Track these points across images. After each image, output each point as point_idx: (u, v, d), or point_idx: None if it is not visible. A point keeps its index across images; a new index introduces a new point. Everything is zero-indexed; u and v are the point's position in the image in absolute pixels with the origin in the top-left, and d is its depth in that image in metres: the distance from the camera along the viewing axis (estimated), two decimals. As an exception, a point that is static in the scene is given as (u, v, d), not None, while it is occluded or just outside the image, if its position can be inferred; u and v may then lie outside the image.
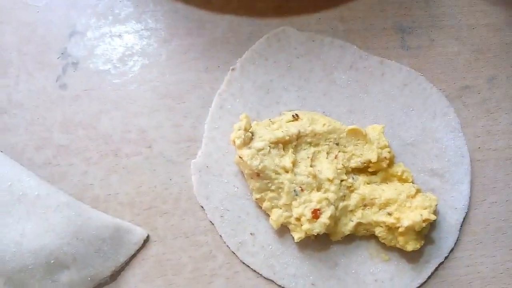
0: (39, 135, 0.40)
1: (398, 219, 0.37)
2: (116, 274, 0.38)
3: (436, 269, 0.39)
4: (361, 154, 0.39)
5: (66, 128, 0.40)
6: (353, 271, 0.38)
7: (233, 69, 0.42)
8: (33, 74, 0.41)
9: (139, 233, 0.38)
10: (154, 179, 0.40)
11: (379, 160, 0.38)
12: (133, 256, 0.38)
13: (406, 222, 0.36)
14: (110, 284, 0.37)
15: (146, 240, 0.38)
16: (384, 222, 0.37)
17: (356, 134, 0.39)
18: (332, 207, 0.36)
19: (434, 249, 0.39)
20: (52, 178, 0.39)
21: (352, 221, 0.38)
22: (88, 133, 0.40)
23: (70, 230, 0.36)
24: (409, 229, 0.36)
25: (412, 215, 0.36)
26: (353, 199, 0.38)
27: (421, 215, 0.36)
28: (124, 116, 0.41)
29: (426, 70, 0.45)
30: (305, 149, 0.39)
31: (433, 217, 0.36)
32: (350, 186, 0.38)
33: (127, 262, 0.38)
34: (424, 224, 0.36)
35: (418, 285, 0.38)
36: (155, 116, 0.41)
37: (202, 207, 0.39)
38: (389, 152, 0.39)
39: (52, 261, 0.35)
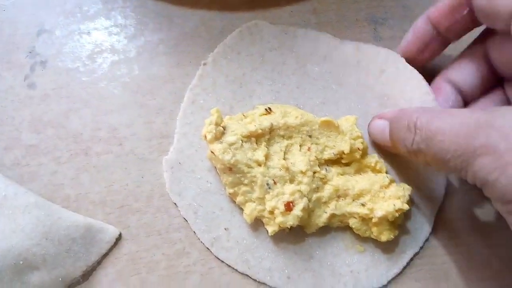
0: (7, 135, 0.39)
1: (371, 210, 0.36)
2: (88, 274, 0.37)
3: (412, 258, 0.38)
4: (334, 146, 0.39)
5: (35, 127, 0.40)
6: (328, 263, 0.38)
7: (204, 64, 0.42)
8: (1, 74, 0.41)
9: (111, 231, 0.37)
10: (125, 177, 0.39)
11: (352, 151, 0.38)
12: (106, 255, 0.37)
13: (379, 212, 0.36)
14: (83, 284, 0.37)
15: (119, 239, 0.38)
16: (357, 213, 0.37)
17: (329, 126, 0.39)
18: (305, 199, 0.36)
19: (409, 239, 0.39)
20: (22, 179, 0.38)
21: (326, 212, 0.37)
22: (57, 132, 0.40)
23: (39, 230, 0.35)
24: (383, 220, 0.36)
25: (385, 205, 0.36)
26: (327, 190, 0.38)
27: (394, 205, 0.36)
28: (94, 114, 0.40)
29: (399, 61, 0.44)
30: (278, 142, 0.39)
31: (406, 206, 0.36)
32: (323, 178, 0.38)
33: (99, 262, 0.37)
34: (397, 214, 0.36)
35: (394, 275, 0.38)
36: (126, 113, 0.41)
37: (175, 204, 0.39)
38: (362, 143, 0.39)
39: (21, 262, 0.34)
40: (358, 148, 0.38)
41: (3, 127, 0.39)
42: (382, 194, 0.37)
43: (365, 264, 0.38)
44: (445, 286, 0.38)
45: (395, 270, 0.38)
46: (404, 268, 0.38)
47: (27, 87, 0.41)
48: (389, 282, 0.38)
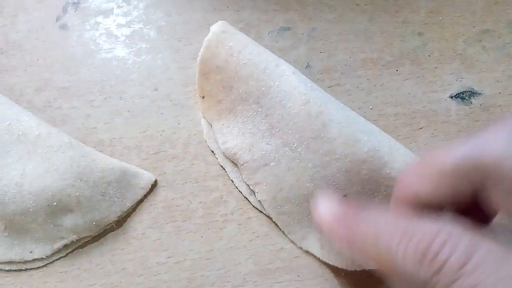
0: (39, 76, 0.38)
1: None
2: (122, 220, 0.36)
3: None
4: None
5: (68, 69, 0.38)
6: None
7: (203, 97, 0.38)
8: (32, 14, 0.39)
9: (147, 177, 0.36)
10: (161, 123, 0.38)
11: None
12: (141, 201, 0.36)
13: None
14: (117, 231, 0.35)
15: (154, 185, 0.36)
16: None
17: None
18: None
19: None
20: (53, 122, 0.37)
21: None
22: (90, 75, 0.38)
23: (73, 171, 0.33)
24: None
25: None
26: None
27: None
28: (129, 57, 0.39)
29: (444, 13, 0.43)
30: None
31: None
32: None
33: (134, 208, 0.36)
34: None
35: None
36: (161, 58, 0.39)
37: (212, 152, 0.37)
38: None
39: (54, 204, 0.33)
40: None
41: (34, 68, 0.38)
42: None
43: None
44: None
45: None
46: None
47: (59, 28, 0.39)
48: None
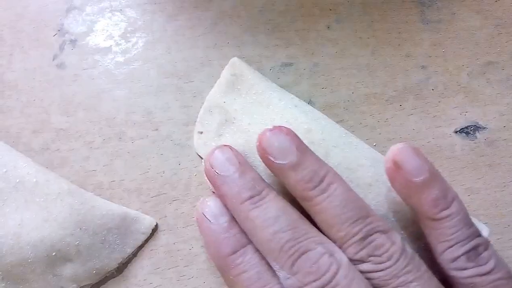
0: (35, 117, 0.37)
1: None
2: (123, 267, 0.35)
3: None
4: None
5: (65, 110, 0.37)
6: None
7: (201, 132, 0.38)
8: (28, 53, 0.38)
9: (148, 221, 0.35)
10: (162, 164, 0.37)
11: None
12: (141, 246, 0.35)
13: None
14: (117, 277, 0.35)
15: (155, 229, 0.35)
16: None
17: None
18: None
19: (462, 234, 0.37)
20: (51, 165, 0.36)
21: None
22: (89, 115, 0.37)
23: (72, 219, 0.33)
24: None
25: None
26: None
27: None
28: (128, 96, 0.38)
29: (447, 46, 0.42)
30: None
31: None
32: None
33: (135, 253, 0.35)
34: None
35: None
36: (162, 97, 0.38)
37: (213, 192, 0.36)
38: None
39: (53, 254, 0.32)
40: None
41: (31, 109, 0.37)
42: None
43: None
44: None
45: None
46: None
47: (56, 67, 0.38)
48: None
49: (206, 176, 0.33)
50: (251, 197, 0.31)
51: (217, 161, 0.32)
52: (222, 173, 0.31)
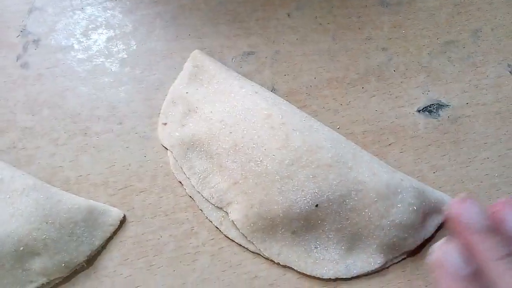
0: (1, 118, 0.38)
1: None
2: (92, 259, 0.35)
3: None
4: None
5: (30, 108, 0.38)
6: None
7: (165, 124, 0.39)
8: (-8, 55, 0.39)
9: (115, 213, 0.36)
10: (127, 157, 0.37)
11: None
12: (110, 238, 0.35)
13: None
14: (87, 270, 0.35)
15: (123, 221, 0.36)
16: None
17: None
18: None
19: (429, 210, 0.37)
20: (18, 163, 0.37)
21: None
22: (54, 113, 0.38)
23: (39, 214, 0.33)
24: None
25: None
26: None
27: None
28: (92, 92, 0.39)
29: (407, 27, 0.43)
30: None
31: None
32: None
33: (104, 246, 0.35)
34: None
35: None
36: (125, 91, 0.39)
37: (180, 182, 0.37)
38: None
39: (21, 248, 0.33)
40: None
41: (-3, 110, 0.38)
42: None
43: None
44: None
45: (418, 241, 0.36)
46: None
47: (20, 67, 0.39)
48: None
49: (451, 219, 0.32)
50: (508, 255, 0.30)
51: (470, 210, 0.31)
52: (475, 223, 0.31)
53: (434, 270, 0.32)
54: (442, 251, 0.32)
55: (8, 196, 0.33)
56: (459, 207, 0.32)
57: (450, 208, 0.32)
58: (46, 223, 0.33)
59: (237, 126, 0.36)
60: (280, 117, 0.36)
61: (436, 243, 0.32)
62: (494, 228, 0.31)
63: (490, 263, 0.30)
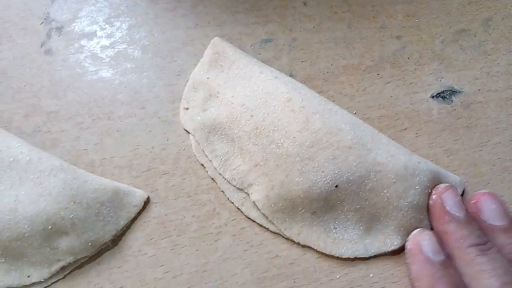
0: (26, 102, 0.38)
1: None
2: (117, 239, 0.36)
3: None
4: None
5: (55, 93, 0.39)
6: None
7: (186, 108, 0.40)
8: (16, 41, 0.40)
9: (139, 195, 0.36)
10: (150, 140, 0.38)
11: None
12: (134, 219, 0.36)
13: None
14: (112, 249, 0.36)
15: (147, 202, 0.37)
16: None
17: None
18: None
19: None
20: (43, 146, 0.37)
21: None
22: (78, 98, 0.39)
23: (66, 193, 0.34)
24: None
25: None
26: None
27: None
28: (115, 77, 0.39)
29: (420, 16, 0.44)
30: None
31: None
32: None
33: (128, 226, 0.36)
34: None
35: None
36: (147, 76, 0.40)
37: (202, 165, 0.38)
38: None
39: (49, 227, 0.33)
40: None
41: (22, 94, 0.38)
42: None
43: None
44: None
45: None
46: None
47: (44, 53, 0.40)
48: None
49: (432, 205, 0.35)
50: (478, 244, 0.32)
51: (450, 199, 0.34)
52: (452, 212, 0.33)
53: (409, 257, 0.34)
54: (417, 239, 0.34)
55: (36, 177, 0.34)
56: (443, 195, 0.34)
57: (434, 195, 0.34)
58: (74, 202, 0.34)
59: (258, 109, 0.37)
60: (300, 100, 0.37)
61: (412, 232, 0.34)
62: (471, 218, 0.34)
63: (461, 251, 0.32)
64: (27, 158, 0.35)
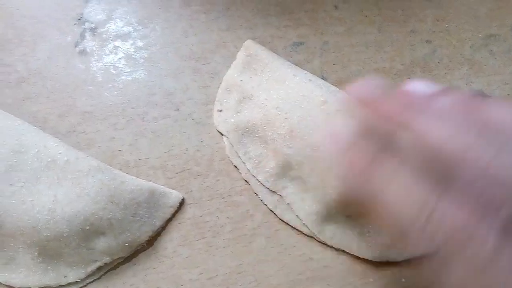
0: (61, 102, 0.38)
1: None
2: (152, 240, 0.36)
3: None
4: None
5: (89, 94, 0.39)
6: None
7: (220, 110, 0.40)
8: (51, 42, 0.40)
9: (174, 196, 0.37)
10: (185, 142, 0.38)
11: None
12: (169, 220, 0.36)
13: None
14: (147, 250, 0.36)
15: (182, 203, 0.37)
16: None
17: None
18: None
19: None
20: (78, 146, 0.37)
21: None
22: (112, 98, 0.39)
23: (104, 194, 0.34)
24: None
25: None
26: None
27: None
28: (149, 79, 0.40)
29: (450, 21, 0.44)
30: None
31: None
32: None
33: (164, 227, 0.36)
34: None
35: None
36: (181, 78, 0.40)
37: (236, 167, 0.38)
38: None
39: (87, 227, 0.33)
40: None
41: (57, 95, 0.39)
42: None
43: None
44: None
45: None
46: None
47: (79, 53, 0.40)
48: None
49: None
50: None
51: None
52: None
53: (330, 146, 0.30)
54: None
55: (74, 177, 0.34)
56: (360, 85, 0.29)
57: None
58: (112, 203, 0.34)
59: (293, 112, 0.37)
60: (336, 104, 0.37)
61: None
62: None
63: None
64: (65, 158, 0.35)
